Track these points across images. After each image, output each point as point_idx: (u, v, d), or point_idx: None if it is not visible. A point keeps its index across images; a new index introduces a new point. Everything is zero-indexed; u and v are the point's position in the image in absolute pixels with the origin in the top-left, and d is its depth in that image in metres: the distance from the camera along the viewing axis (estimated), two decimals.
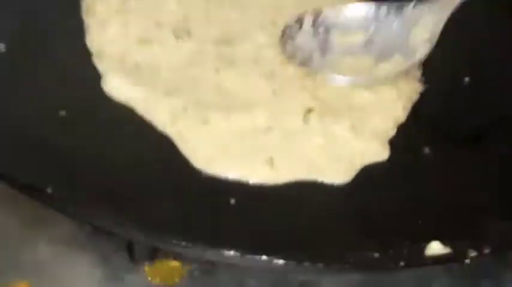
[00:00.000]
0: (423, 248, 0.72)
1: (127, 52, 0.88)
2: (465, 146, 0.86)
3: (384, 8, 0.91)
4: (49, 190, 0.71)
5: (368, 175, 0.81)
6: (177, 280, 0.83)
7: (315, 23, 0.91)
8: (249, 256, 0.69)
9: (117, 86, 0.85)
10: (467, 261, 0.72)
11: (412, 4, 0.90)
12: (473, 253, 0.72)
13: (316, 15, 0.92)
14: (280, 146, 0.81)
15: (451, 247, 0.72)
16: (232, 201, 0.76)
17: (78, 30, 0.91)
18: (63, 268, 0.82)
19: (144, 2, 0.94)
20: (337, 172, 0.80)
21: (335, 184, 0.79)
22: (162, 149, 0.80)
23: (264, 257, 0.69)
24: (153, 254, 0.83)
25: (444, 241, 0.73)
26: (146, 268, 0.83)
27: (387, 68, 0.89)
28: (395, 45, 0.90)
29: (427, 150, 0.84)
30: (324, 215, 0.76)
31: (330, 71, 0.88)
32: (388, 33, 0.90)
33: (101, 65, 0.87)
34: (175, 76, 0.87)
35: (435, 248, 0.73)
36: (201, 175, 0.78)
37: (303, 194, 0.78)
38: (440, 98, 0.91)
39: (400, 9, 0.91)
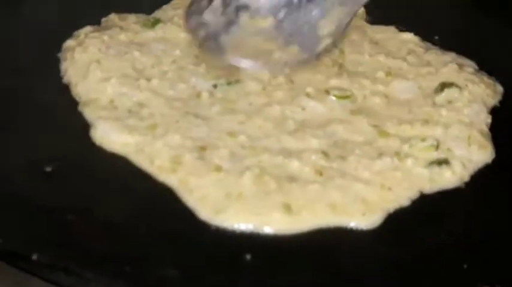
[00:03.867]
0: None
1: (116, 98, 0.80)
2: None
3: None
4: (34, 257, 0.62)
5: (398, 217, 0.71)
6: None
7: (225, 2, 0.88)
8: None
9: (108, 135, 0.76)
10: None
11: None
12: None
13: None
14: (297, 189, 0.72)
15: None
16: (248, 256, 0.66)
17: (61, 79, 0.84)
18: None
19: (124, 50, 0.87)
20: (364, 215, 0.70)
21: (363, 229, 0.70)
22: (162, 201, 0.71)
23: None
24: None
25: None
26: None
27: (282, 56, 0.86)
28: (299, 35, 0.87)
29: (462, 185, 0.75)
30: (354, 264, 0.66)
31: (232, 50, 0.86)
32: (296, 21, 0.88)
33: (89, 113, 0.79)
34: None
35: None
36: (209, 228, 0.68)
37: (328, 242, 0.68)
38: None
39: None
